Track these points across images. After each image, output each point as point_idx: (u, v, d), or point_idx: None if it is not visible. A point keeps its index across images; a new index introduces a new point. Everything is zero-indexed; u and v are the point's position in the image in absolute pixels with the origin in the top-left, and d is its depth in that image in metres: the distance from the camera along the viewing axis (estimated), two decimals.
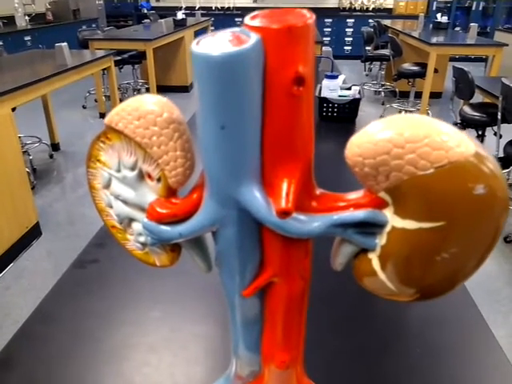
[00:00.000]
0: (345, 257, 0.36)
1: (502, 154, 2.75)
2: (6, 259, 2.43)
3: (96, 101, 5.13)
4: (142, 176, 0.35)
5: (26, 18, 6.24)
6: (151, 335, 0.73)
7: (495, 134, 2.97)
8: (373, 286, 0.36)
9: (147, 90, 5.56)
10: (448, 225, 0.29)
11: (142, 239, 0.38)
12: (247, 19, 0.27)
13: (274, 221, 0.30)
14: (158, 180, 0.34)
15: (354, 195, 0.32)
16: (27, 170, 2.73)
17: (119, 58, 4.98)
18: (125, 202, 0.37)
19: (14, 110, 2.61)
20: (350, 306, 0.78)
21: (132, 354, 0.69)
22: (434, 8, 8.00)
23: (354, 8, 8.49)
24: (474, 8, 8.14)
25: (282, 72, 0.27)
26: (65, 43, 3.18)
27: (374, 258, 0.34)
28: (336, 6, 8.57)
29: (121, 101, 5.23)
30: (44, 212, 2.96)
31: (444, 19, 5.80)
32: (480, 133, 3.31)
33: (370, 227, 0.32)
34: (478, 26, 5.06)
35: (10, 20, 6.02)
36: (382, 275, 0.34)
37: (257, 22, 0.26)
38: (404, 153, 0.27)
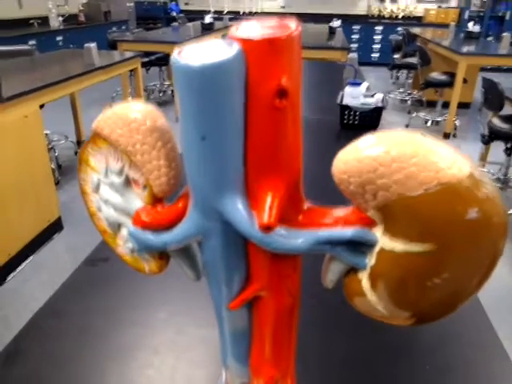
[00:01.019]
0: (335, 274, 0.34)
1: None
2: (28, 251, 2.49)
3: (122, 101, 5.21)
4: (128, 182, 0.34)
5: (60, 18, 6.42)
6: (156, 336, 0.73)
7: None
8: (364, 307, 0.35)
9: (172, 92, 5.62)
10: (439, 249, 0.27)
11: (129, 245, 0.38)
12: (233, 29, 0.27)
13: (257, 235, 0.29)
14: (144, 187, 0.33)
15: (342, 211, 0.31)
16: (52, 166, 2.79)
17: (146, 59, 5.06)
18: (113, 206, 0.36)
19: (42, 107, 2.68)
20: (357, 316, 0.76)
21: (136, 355, 0.69)
22: (466, 17, 7.82)
23: (384, 15, 8.40)
24: (507, 17, 7.93)
25: (264, 84, 0.26)
26: (93, 44, 3.24)
27: (363, 278, 0.33)
28: (365, 12, 8.50)
29: (147, 102, 5.31)
30: (66, 207, 3.01)
31: (476, 28, 5.66)
32: (508, 146, 3.22)
33: (359, 246, 0.31)
34: (511, 35, 4.92)
35: (44, 21, 6.20)
36: (371, 296, 0.33)
37: (239, 33, 0.26)
38: (390, 172, 0.25)
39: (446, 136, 4.50)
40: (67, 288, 0.87)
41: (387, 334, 0.72)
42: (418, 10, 8.29)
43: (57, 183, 3.32)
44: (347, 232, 0.30)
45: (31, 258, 2.52)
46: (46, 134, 3.72)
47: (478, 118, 3.53)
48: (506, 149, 3.24)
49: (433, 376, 0.65)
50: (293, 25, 0.26)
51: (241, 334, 0.40)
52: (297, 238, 0.30)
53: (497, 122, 3.19)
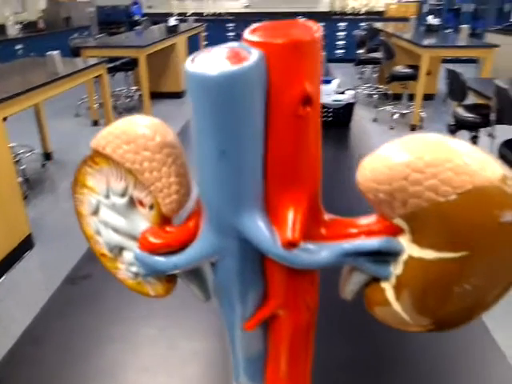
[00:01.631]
0: (355, 285, 0.33)
1: (496, 155, 2.74)
2: None
3: (89, 109, 5.09)
4: (132, 203, 0.32)
5: (17, 26, 6.19)
6: (146, 353, 0.70)
7: (489, 135, 2.97)
8: (385, 316, 0.34)
9: (140, 97, 5.52)
10: (471, 255, 0.26)
11: (134, 269, 0.35)
12: (247, 33, 0.24)
13: (279, 252, 0.27)
14: (151, 207, 0.31)
15: (365, 220, 0.30)
16: (19, 179, 2.68)
17: (111, 65, 4.94)
18: (115, 229, 0.34)
19: (5, 119, 2.57)
20: (354, 323, 0.75)
21: (125, 374, 0.66)
22: (425, 10, 8.02)
23: (346, 12, 8.51)
24: (464, 10, 8.18)
25: (288, 91, 0.24)
26: (56, 51, 3.14)
27: (387, 288, 0.31)
28: (328, 9, 8.59)
29: (114, 108, 5.21)
30: (37, 223, 2.90)
31: (435, 21, 5.80)
32: (474, 134, 3.31)
33: (383, 255, 0.29)
34: (468, 27, 5.07)
35: (0, 29, 5.97)
36: (396, 306, 0.32)
37: (258, 37, 0.23)
38: (424, 178, 0.24)
39: (413, 128, 4.59)
40: (47, 311, 0.82)
41: (385, 340, 0.71)
42: (379, 4, 8.45)
43: (25, 198, 3.19)
44: (374, 242, 0.28)
45: (3, 277, 2.41)
46: (11, 147, 3.59)
47: (444, 109, 3.62)
48: (472, 137, 3.33)
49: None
50: (314, 26, 0.24)
51: (255, 355, 0.38)
52: (321, 252, 0.29)
53: (461, 111, 3.27)
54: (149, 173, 0.28)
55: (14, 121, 3.18)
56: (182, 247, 0.31)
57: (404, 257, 0.29)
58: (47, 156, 4.00)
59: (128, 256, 0.35)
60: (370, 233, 0.29)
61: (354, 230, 0.29)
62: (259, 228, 0.27)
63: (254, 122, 0.24)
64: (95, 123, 4.84)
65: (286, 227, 0.27)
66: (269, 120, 0.25)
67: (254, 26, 0.25)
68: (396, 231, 0.28)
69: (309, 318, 0.35)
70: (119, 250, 0.36)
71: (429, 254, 0.27)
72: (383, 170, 0.25)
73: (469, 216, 0.25)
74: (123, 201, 0.31)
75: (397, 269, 0.30)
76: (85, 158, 0.31)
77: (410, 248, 0.28)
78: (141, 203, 0.31)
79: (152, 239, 0.31)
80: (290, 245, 0.26)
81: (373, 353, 0.69)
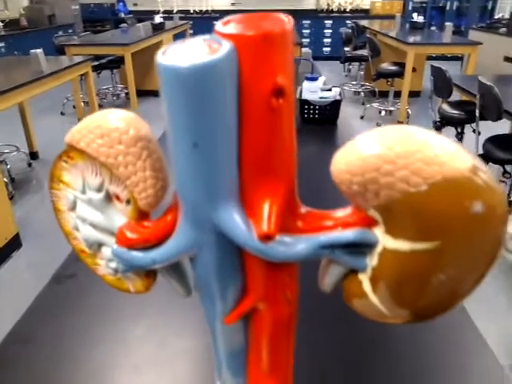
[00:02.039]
0: (333, 278, 0.33)
1: (481, 151, 2.78)
2: None
3: (74, 107, 5.03)
4: (109, 198, 0.31)
5: (0, 24, 6.09)
6: (135, 353, 0.69)
7: (474, 131, 3.01)
8: (363, 308, 0.34)
9: (126, 95, 5.48)
10: (444, 245, 0.27)
11: (113, 265, 0.35)
12: (219, 25, 0.24)
13: (256, 245, 0.27)
14: (128, 202, 0.31)
15: (341, 213, 0.30)
16: (5, 179, 2.64)
17: (97, 63, 4.89)
18: (93, 225, 0.34)
19: None
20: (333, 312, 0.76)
21: (115, 375, 0.65)
22: (410, 8, 8.08)
23: (332, 9, 8.53)
24: (448, 7, 8.26)
25: (259, 83, 0.24)
26: (40, 50, 3.10)
27: (364, 280, 0.32)
28: (314, 7, 8.60)
29: (100, 106, 5.15)
30: (23, 223, 2.87)
31: (420, 19, 5.85)
32: (459, 130, 3.35)
33: (359, 247, 0.30)
34: (452, 25, 5.13)
35: None
36: (373, 298, 0.32)
37: (229, 29, 0.23)
38: (395, 169, 0.24)
39: (400, 124, 4.63)
40: (34, 311, 0.81)
41: (366, 330, 0.72)
42: (365, 2, 8.49)
43: (11, 198, 3.15)
44: (349, 234, 0.28)
45: None
46: None
47: (429, 106, 3.66)
48: (457, 133, 3.37)
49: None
50: (285, 18, 0.24)
51: (236, 349, 0.38)
52: (297, 245, 0.29)
53: (447, 108, 3.31)
54: (123, 167, 0.28)
55: None
56: (160, 242, 0.31)
57: (379, 248, 0.29)
58: (33, 155, 3.95)
59: (107, 252, 0.35)
60: (345, 225, 0.29)
61: (329, 223, 0.29)
62: (235, 221, 0.27)
63: (226, 115, 0.24)
64: None
65: (261, 220, 0.27)
66: (242, 112, 0.25)
67: (227, 18, 0.25)
68: (371, 223, 0.29)
69: (289, 311, 0.35)
70: (98, 245, 0.35)
71: (402, 245, 0.27)
72: (356, 162, 0.25)
73: (440, 206, 0.25)
74: (99, 196, 0.31)
75: (372, 261, 0.30)
76: (60, 152, 0.31)
77: (384, 239, 0.28)
78: (117, 198, 0.31)
79: (129, 234, 0.31)
80: (266, 237, 0.27)
81: (354, 343, 0.70)
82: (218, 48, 0.23)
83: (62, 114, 5.23)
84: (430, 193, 0.25)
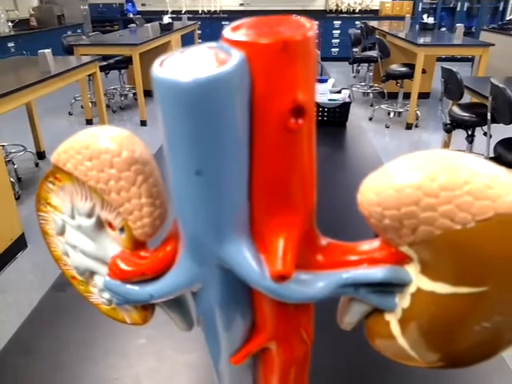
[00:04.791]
0: (356, 316, 0.29)
1: (492, 154, 2.72)
2: None
3: (82, 107, 5.02)
4: (101, 224, 0.28)
5: (9, 24, 6.11)
6: (136, 365, 0.66)
7: (485, 134, 2.95)
8: (388, 349, 0.30)
9: (134, 95, 5.46)
10: (492, 290, 0.22)
11: (106, 296, 0.31)
12: (227, 31, 0.20)
13: (268, 286, 0.23)
14: (121, 230, 0.27)
15: (367, 246, 0.26)
16: (11, 179, 2.63)
17: (105, 63, 4.88)
18: (83, 252, 0.30)
19: None
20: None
21: None
22: (420, 9, 7.99)
23: (341, 10, 8.46)
24: (458, 8, 8.16)
25: (276, 101, 0.20)
26: (48, 50, 3.08)
27: (392, 321, 0.27)
28: (323, 8, 8.54)
29: (108, 107, 5.14)
30: (29, 223, 2.85)
31: (430, 20, 5.78)
32: (470, 133, 3.29)
33: (388, 286, 0.26)
34: (463, 26, 5.05)
35: None
36: (402, 341, 0.28)
37: (240, 35, 0.19)
38: (438, 203, 0.20)
39: (409, 126, 4.56)
40: (35, 318, 0.79)
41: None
42: (374, 3, 8.41)
43: (17, 198, 3.14)
44: (377, 273, 0.24)
45: None
46: (3, 146, 3.53)
47: (440, 108, 3.60)
48: (468, 136, 3.31)
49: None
50: (306, 22, 0.20)
51: None
52: (316, 284, 0.25)
53: (457, 110, 3.25)
54: (116, 193, 0.24)
55: (5, 120, 3.13)
56: (158, 275, 0.27)
57: (412, 289, 0.25)
58: (40, 155, 3.94)
59: (100, 281, 0.31)
60: (372, 261, 0.25)
61: (354, 258, 0.25)
62: (245, 258, 0.23)
63: (235, 137, 0.20)
64: (89, 122, 4.79)
65: (276, 257, 0.23)
66: (254, 134, 0.21)
67: (237, 22, 0.21)
68: (403, 259, 0.25)
69: (303, 352, 0.31)
70: (90, 273, 0.32)
71: (442, 288, 0.23)
72: (390, 193, 0.21)
73: (490, 247, 0.21)
74: (90, 222, 0.27)
75: (403, 301, 0.26)
76: (46, 173, 0.27)
77: (418, 279, 0.24)
78: (110, 225, 0.27)
79: (123, 266, 0.27)
80: (281, 278, 0.23)
81: (364, 357, 0.66)
82: (226, 59, 0.19)
83: (70, 114, 5.23)
84: (478, 231, 0.21)
